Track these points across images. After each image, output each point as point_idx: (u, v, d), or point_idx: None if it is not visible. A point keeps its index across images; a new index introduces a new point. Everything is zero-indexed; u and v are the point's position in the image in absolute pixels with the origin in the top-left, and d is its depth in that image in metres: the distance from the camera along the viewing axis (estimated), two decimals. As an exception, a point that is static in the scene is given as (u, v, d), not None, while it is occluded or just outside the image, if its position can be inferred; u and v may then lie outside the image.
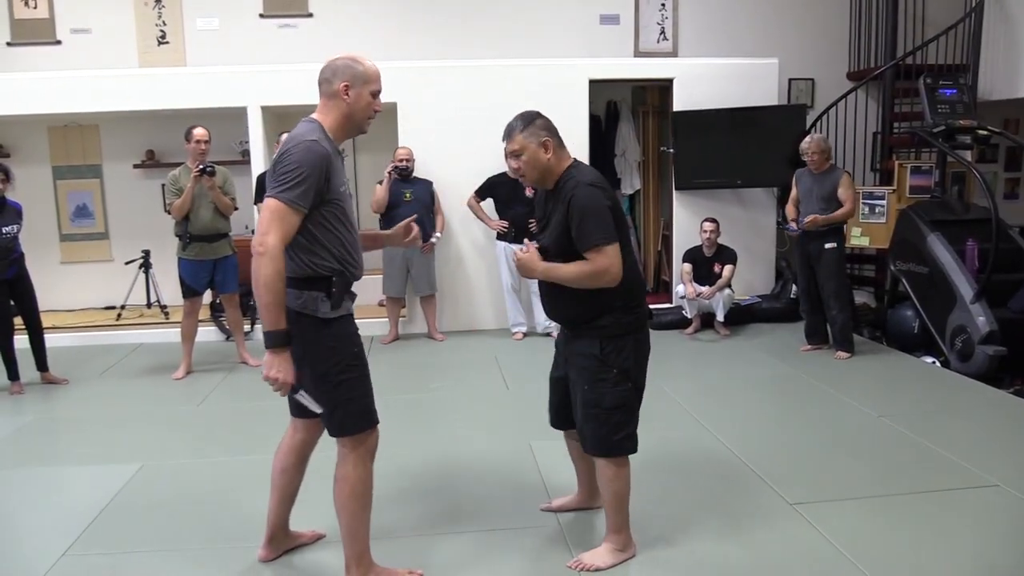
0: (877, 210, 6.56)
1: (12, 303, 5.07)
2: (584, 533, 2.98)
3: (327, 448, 2.72)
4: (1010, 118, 7.99)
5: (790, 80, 7.64)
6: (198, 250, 5.29)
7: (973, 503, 3.19)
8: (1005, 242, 5.52)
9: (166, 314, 6.81)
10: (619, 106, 7.70)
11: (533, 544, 2.92)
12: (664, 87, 7.19)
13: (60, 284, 7.18)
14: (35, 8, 7.12)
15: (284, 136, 5.65)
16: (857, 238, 6.67)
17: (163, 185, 5.47)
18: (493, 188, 6.24)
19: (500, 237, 6.27)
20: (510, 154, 2.66)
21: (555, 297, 2.71)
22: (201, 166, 5.12)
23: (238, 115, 6.50)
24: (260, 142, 6.51)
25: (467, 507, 3.25)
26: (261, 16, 7.31)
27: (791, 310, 6.68)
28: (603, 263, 2.52)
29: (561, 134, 2.71)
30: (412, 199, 6.11)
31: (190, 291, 5.37)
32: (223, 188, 5.28)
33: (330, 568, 2.77)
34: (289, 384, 2.33)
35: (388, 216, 5.98)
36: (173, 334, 5.88)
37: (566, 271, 2.58)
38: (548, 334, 6.31)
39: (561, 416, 2.91)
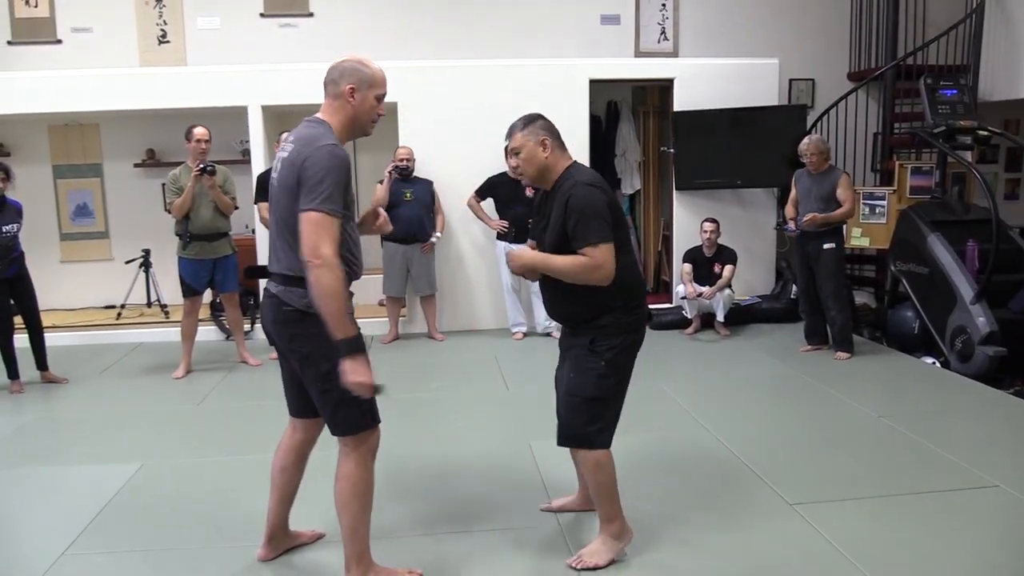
0: (877, 210, 6.56)
1: (12, 302, 5.07)
2: (584, 533, 2.98)
3: (326, 448, 2.72)
4: (1010, 119, 7.99)
5: (790, 80, 7.64)
6: (198, 249, 5.29)
7: (973, 503, 3.19)
8: (1005, 243, 5.52)
9: (166, 313, 6.81)
10: (619, 106, 7.70)
11: (533, 544, 2.93)
12: (664, 87, 7.19)
13: (60, 283, 7.18)
14: (36, 7, 7.12)
15: (285, 135, 5.66)
16: (857, 238, 6.67)
17: (163, 184, 5.47)
18: (493, 188, 6.24)
19: (500, 237, 6.27)
20: (510, 152, 2.72)
21: (555, 295, 2.73)
22: (201, 165, 5.12)
23: (238, 114, 6.50)
24: (260, 141, 6.50)
25: (467, 507, 3.25)
26: (262, 15, 7.31)
27: (791, 310, 6.68)
28: (597, 259, 2.54)
29: (561, 134, 2.74)
30: (412, 199, 6.11)
31: (190, 290, 5.37)
32: (223, 187, 5.28)
33: (330, 567, 2.77)
34: (371, 385, 2.33)
35: (388, 216, 5.95)
36: (173, 333, 5.88)
37: (559, 262, 2.60)
38: (548, 334, 6.31)
39: None
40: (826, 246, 5.50)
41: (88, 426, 4.47)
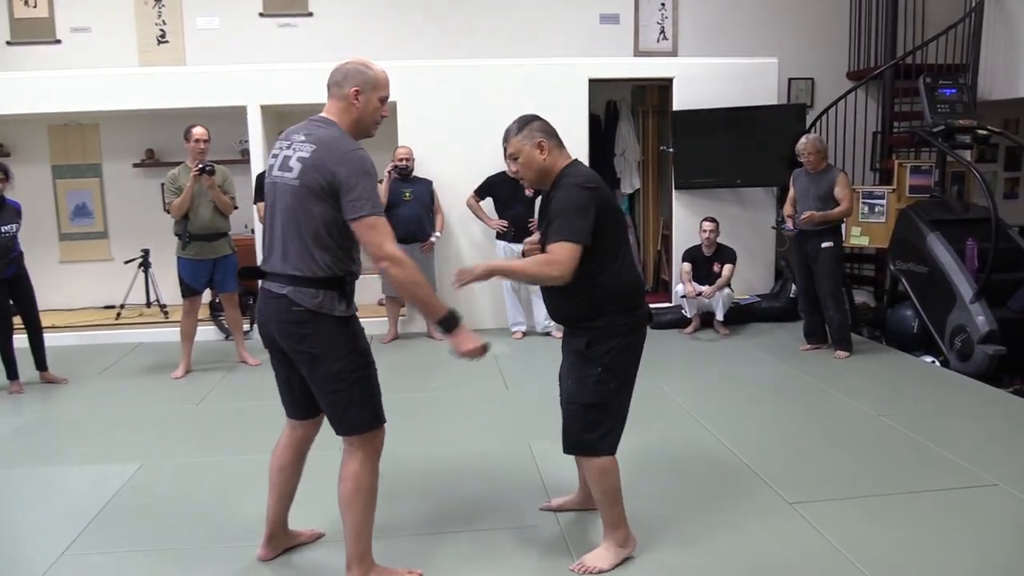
0: (877, 209, 6.56)
1: (11, 302, 5.07)
2: (583, 533, 2.99)
3: (324, 447, 2.73)
4: (1010, 118, 7.99)
5: (790, 80, 7.64)
6: (197, 249, 5.28)
7: (972, 502, 3.19)
8: (1004, 241, 5.52)
9: (165, 313, 6.81)
10: (619, 105, 7.70)
11: (533, 544, 2.93)
12: (664, 86, 7.19)
13: (59, 283, 7.18)
14: (35, 7, 7.12)
15: (285, 133, 5.67)
16: (857, 237, 6.67)
17: (162, 184, 5.47)
18: (492, 187, 6.24)
19: (500, 236, 6.27)
20: (508, 157, 2.71)
21: (553, 295, 2.72)
22: (200, 165, 5.12)
23: (238, 114, 6.50)
24: (260, 141, 6.50)
25: (466, 507, 3.25)
26: (261, 15, 7.32)
27: (790, 310, 6.68)
28: (555, 256, 2.51)
29: (561, 133, 2.72)
30: (412, 198, 6.11)
31: (189, 290, 5.36)
32: (222, 187, 5.28)
33: (329, 567, 2.77)
34: (482, 349, 2.48)
35: (388, 215, 5.96)
36: (172, 333, 5.88)
37: (516, 264, 2.61)
38: (548, 333, 6.31)
39: None
40: (824, 245, 5.51)
41: (88, 426, 4.47)
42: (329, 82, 2.48)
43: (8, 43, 7.14)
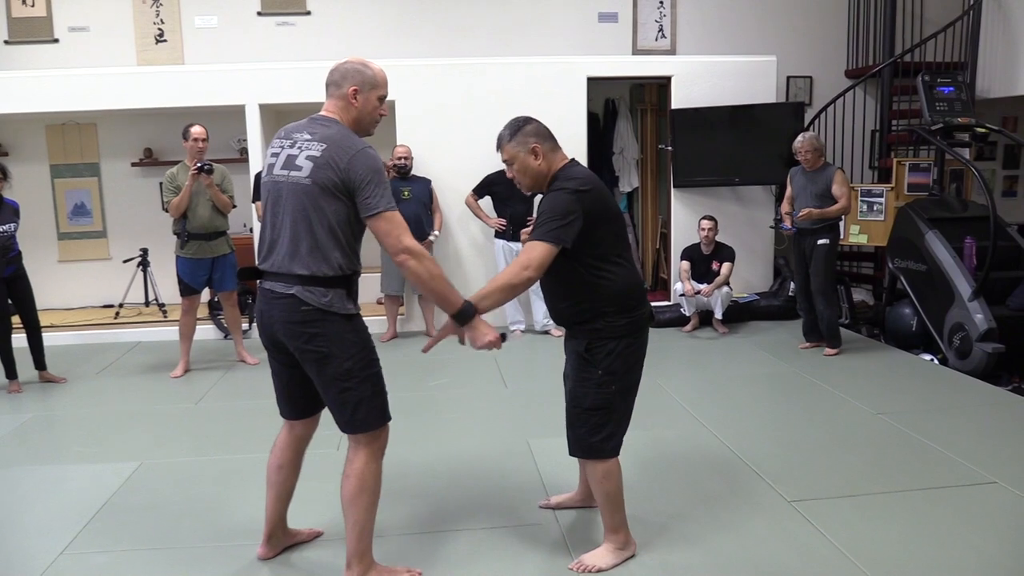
0: (875, 208, 6.56)
1: (10, 302, 5.07)
2: (582, 530, 2.99)
3: (322, 446, 2.73)
4: (1008, 116, 7.99)
5: (788, 78, 7.64)
6: (196, 248, 5.28)
7: (971, 500, 3.19)
8: (1003, 240, 5.53)
9: (164, 312, 6.81)
10: (617, 104, 7.70)
11: (532, 542, 2.93)
12: (662, 85, 7.18)
13: (58, 283, 7.18)
14: (32, 6, 7.12)
15: (285, 132, 5.66)
16: (855, 236, 6.67)
17: (161, 183, 5.46)
18: (491, 186, 6.24)
19: (498, 235, 6.27)
20: (504, 163, 2.70)
21: (552, 296, 2.72)
22: (199, 164, 5.12)
23: (236, 113, 6.50)
24: (258, 140, 6.50)
25: (465, 505, 3.25)
26: (259, 14, 7.31)
27: (789, 308, 6.68)
28: (525, 257, 2.49)
29: (559, 132, 2.71)
30: (410, 197, 6.11)
31: (188, 289, 5.36)
32: (221, 186, 5.28)
33: (329, 566, 2.77)
34: (499, 340, 2.48)
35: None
36: (171, 332, 5.89)
37: (490, 286, 2.52)
38: (546, 332, 6.32)
39: None
40: (820, 242, 5.51)
41: (86, 425, 4.47)
42: (328, 81, 2.49)
43: (6, 42, 7.13)
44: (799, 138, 5.59)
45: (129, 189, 7.31)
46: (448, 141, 6.53)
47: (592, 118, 7.15)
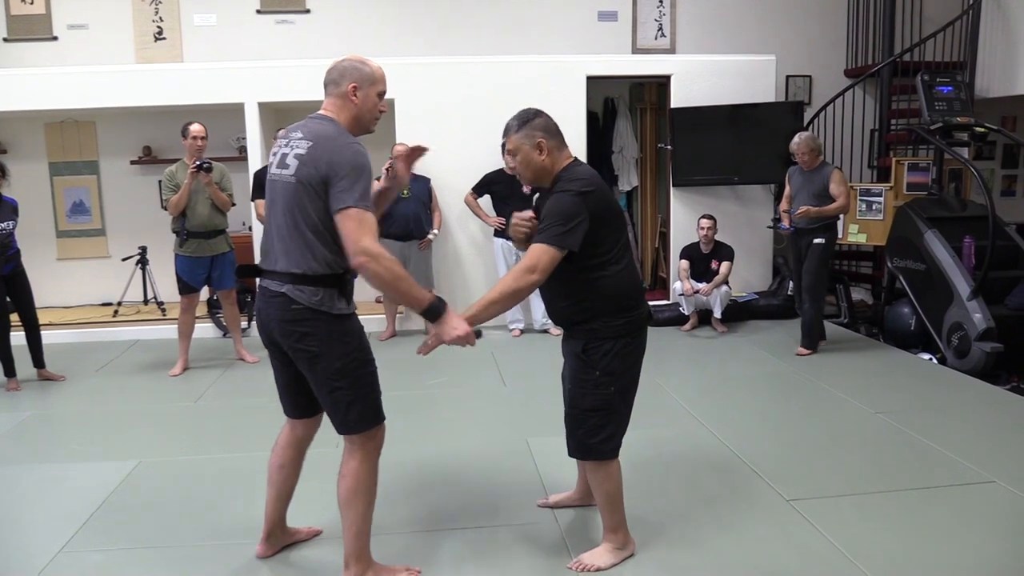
0: (874, 207, 6.56)
1: (8, 300, 5.06)
2: (581, 529, 2.99)
3: (322, 445, 2.73)
4: (1007, 115, 8.00)
5: (788, 77, 7.64)
6: (195, 246, 5.28)
7: (970, 499, 3.20)
8: (1002, 239, 5.54)
9: (163, 311, 6.81)
10: (617, 103, 7.70)
11: (531, 540, 2.93)
12: (662, 84, 7.18)
13: (57, 281, 7.17)
14: (31, 4, 7.11)
15: (284, 131, 5.65)
16: (854, 235, 6.68)
17: (160, 181, 5.46)
18: (490, 184, 6.23)
19: (498, 234, 6.27)
20: (507, 152, 2.68)
21: (551, 295, 2.70)
22: (198, 162, 5.11)
23: (235, 111, 6.49)
24: (257, 138, 6.49)
25: (464, 504, 3.25)
26: (258, 12, 7.30)
27: (788, 307, 6.68)
28: (531, 261, 2.48)
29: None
30: (409, 196, 6.10)
31: (187, 287, 5.35)
32: (220, 184, 5.27)
33: (328, 564, 2.77)
34: (471, 334, 2.43)
35: (386, 212, 5.96)
36: (170, 331, 5.88)
37: (488, 296, 2.52)
38: (545, 331, 6.32)
39: None
40: (816, 241, 5.49)
41: (85, 423, 4.47)
42: (326, 80, 2.48)
43: (5, 40, 7.12)
44: (796, 138, 5.58)
45: (128, 187, 7.30)
46: (447, 139, 6.51)
47: (591, 117, 7.15)
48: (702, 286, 6.27)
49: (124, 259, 6.92)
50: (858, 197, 6.59)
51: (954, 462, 3.57)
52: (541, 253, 2.48)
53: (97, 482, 3.54)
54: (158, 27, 7.22)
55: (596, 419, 2.62)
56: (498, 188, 6.20)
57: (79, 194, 7.33)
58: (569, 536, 2.94)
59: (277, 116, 6.77)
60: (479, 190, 6.28)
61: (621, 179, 7.69)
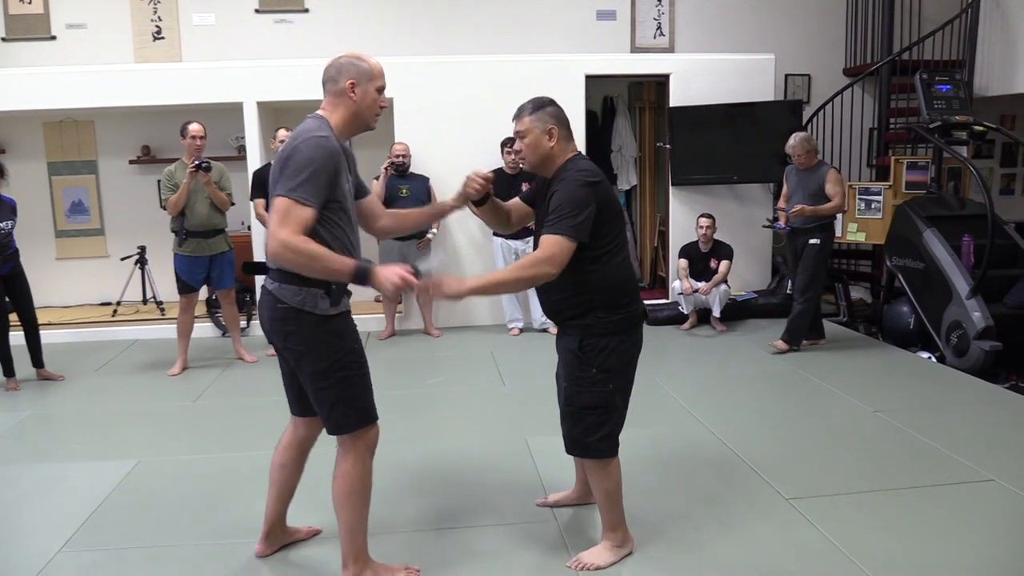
0: (873, 206, 6.56)
1: (7, 299, 5.06)
2: (580, 528, 2.99)
3: (323, 444, 2.72)
4: (1006, 114, 8.00)
5: (786, 76, 7.65)
6: (194, 246, 5.27)
7: (968, 498, 3.20)
8: (1001, 238, 5.54)
9: (162, 310, 6.80)
10: (615, 102, 7.70)
11: (530, 539, 2.93)
12: (660, 83, 7.19)
13: (55, 280, 7.17)
14: (30, 4, 7.10)
15: (281, 132, 5.63)
16: (853, 234, 6.68)
17: (159, 181, 5.46)
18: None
19: (497, 233, 6.26)
20: (515, 134, 2.67)
21: (544, 290, 2.69)
22: (197, 162, 5.11)
23: (234, 111, 6.48)
24: (256, 138, 6.49)
25: (463, 503, 3.26)
26: (257, 11, 7.30)
27: (787, 306, 6.64)
28: (547, 252, 2.47)
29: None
30: (408, 195, 6.10)
31: (186, 287, 5.35)
32: (219, 184, 5.27)
33: (327, 564, 2.77)
34: (410, 279, 2.30)
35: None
36: (169, 330, 5.88)
37: (500, 274, 2.55)
38: (544, 330, 6.32)
39: None
40: (811, 241, 5.49)
41: (84, 423, 4.47)
42: (324, 78, 2.47)
43: (3, 39, 7.12)
44: (791, 139, 5.57)
45: (127, 187, 7.29)
46: (446, 139, 6.52)
47: (590, 116, 7.16)
48: (701, 285, 6.27)
49: (123, 259, 6.91)
50: (857, 196, 6.59)
51: (953, 461, 3.57)
52: (557, 246, 2.47)
53: (96, 482, 3.54)
54: (157, 26, 7.22)
55: (594, 417, 2.62)
56: (497, 187, 6.14)
57: (78, 194, 7.32)
58: (568, 535, 2.94)
59: (276, 115, 6.77)
60: (478, 189, 6.27)
61: (620, 178, 7.70)
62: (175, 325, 5.51)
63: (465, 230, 6.66)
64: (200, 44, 7.21)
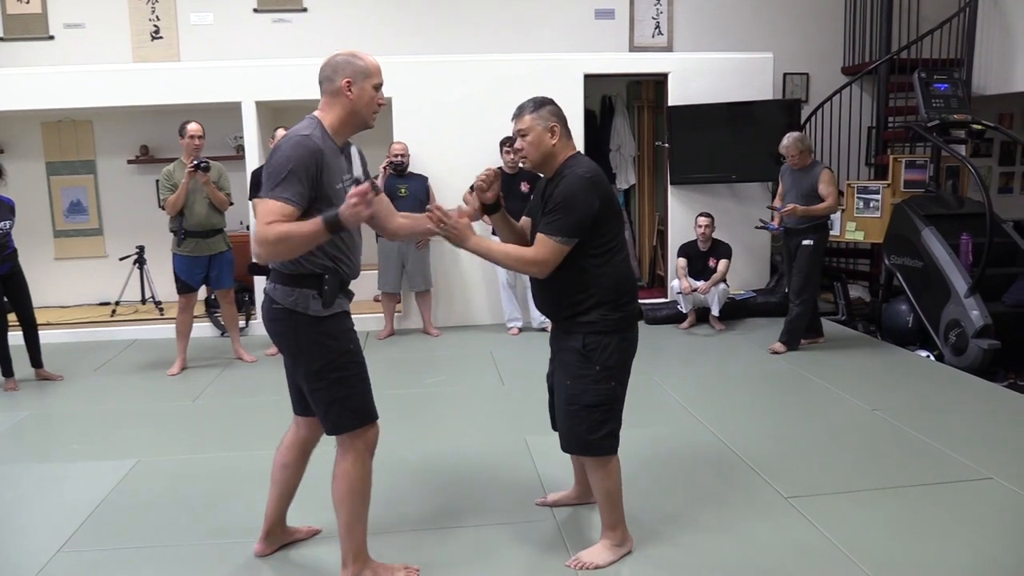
0: (872, 204, 6.57)
1: (5, 299, 5.06)
2: (580, 528, 2.99)
3: (324, 444, 2.72)
4: (1004, 112, 8.01)
5: (785, 75, 7.65)
6: (193, 246, 5.27)
7: (967, 496, 3.21)
8: (999, 236, 5.54)
9: (161, 310, 6.80)
10: (614, 101, 7.71)
11: (529, 539, 2.93)
12: (659, 82, 7.19)
13: (54, 280, 7.16)
14: (27, 3, 7.09)
15: (280, 131, 5.63)
16: (852, 232, 6.68)
17: (157, 180, 5.45)
18: (488, 183, 6.22)
19: (496, 232, 6.26)
20: (516, 132, 2.68)
21: (542, 288, 2.70)
22: (195, 162, 5.10)
23: (233, 110, 6.48)
24: (255, 137, 6.48)
25: (463, 502, 3.26)
26: (255, 11, 7.30)
27: (785, 305, 6.65)
28: (540, 254, 2.53)
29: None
30: (407, 194, 6.10)
31: (185, 287, 5.35)
32: (218, 183, 5.26)
33: (326, 563, 2.77)
34: (361, 191, 2.22)
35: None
36: (168, 330, 5.88)
37: (496, 249, 2.63)
38: (543, 329, 6.31)
39: None
40: (804, 242, 5.47)
41: (83, 423, 4.47)
42: (320, 77, 2.46)
43: (1, 39, 7.11)
44: (785, 139, 5.54)
45: (125, 186, 7.29)
46: (445, 138, 6.52)
47: (589, 115, 7.16)
48: (700, 284, 6.27)
49: (122, 259, 6.91)
50: (855, 194, 6.60)
51: (952, 459, 3.58)
52: (549, 250, 2.53)
53: (95, 481, 3.53)
54: (155, 26, 7.21)
55: (598, 415, 2.63)
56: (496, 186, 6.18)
57: (76, 193, 7.32)
58: (567, 534, 2.95)
59: (275, 115, 6.76)
60: (477, 189, 6.27)
61: (619, 177, 7.70)
62: (174, 325, 5.51)
63: (464, 229, 6.64)
64: (198, 44, 7.21)
